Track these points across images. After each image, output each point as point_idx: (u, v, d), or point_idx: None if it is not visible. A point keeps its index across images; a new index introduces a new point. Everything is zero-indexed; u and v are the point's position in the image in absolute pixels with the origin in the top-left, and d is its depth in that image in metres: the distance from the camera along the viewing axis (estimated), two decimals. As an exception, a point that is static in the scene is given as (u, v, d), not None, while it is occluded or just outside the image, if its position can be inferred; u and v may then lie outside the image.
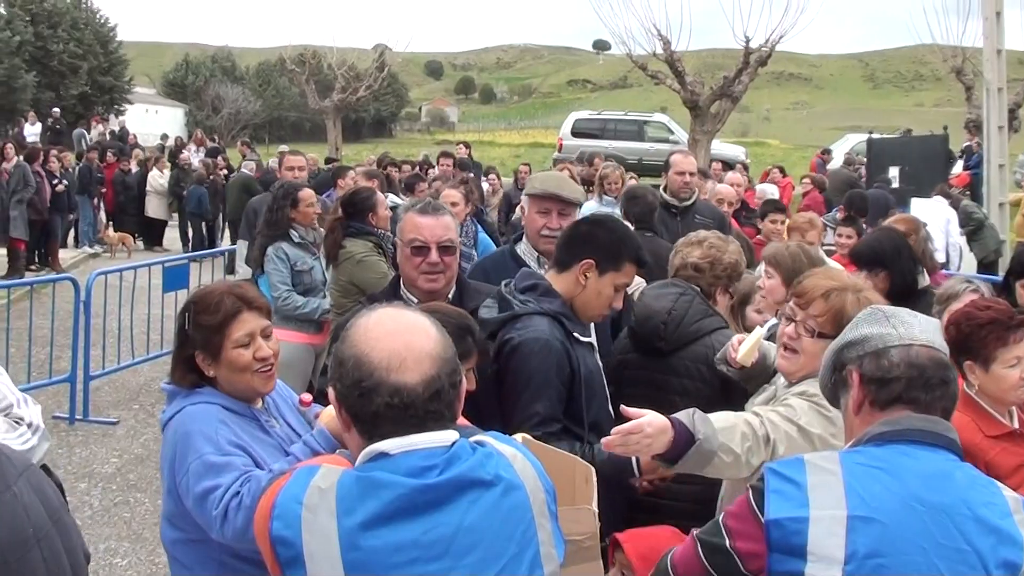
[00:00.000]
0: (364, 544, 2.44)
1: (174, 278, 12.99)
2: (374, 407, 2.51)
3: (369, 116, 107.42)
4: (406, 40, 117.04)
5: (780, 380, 4.28)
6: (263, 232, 9.05)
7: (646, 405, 3.56)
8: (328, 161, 26.09)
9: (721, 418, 3.70)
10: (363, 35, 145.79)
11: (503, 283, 4.80)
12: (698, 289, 5.30)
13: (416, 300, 4.79)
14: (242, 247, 11.69)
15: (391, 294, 4.95)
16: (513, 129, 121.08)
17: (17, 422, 4.55)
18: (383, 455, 2.52)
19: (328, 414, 3.74)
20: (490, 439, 2.69)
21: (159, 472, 9.61)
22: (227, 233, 24.68)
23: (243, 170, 24.18)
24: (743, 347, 4.48)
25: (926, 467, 2.76)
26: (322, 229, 9.03)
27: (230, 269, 18.69)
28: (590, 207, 10.60)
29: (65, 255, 23.17)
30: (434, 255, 4.82)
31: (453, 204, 8.97)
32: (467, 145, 24.53)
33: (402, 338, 2.55)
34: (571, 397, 4.44)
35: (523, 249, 5.96)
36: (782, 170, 24.37)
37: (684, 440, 3.50)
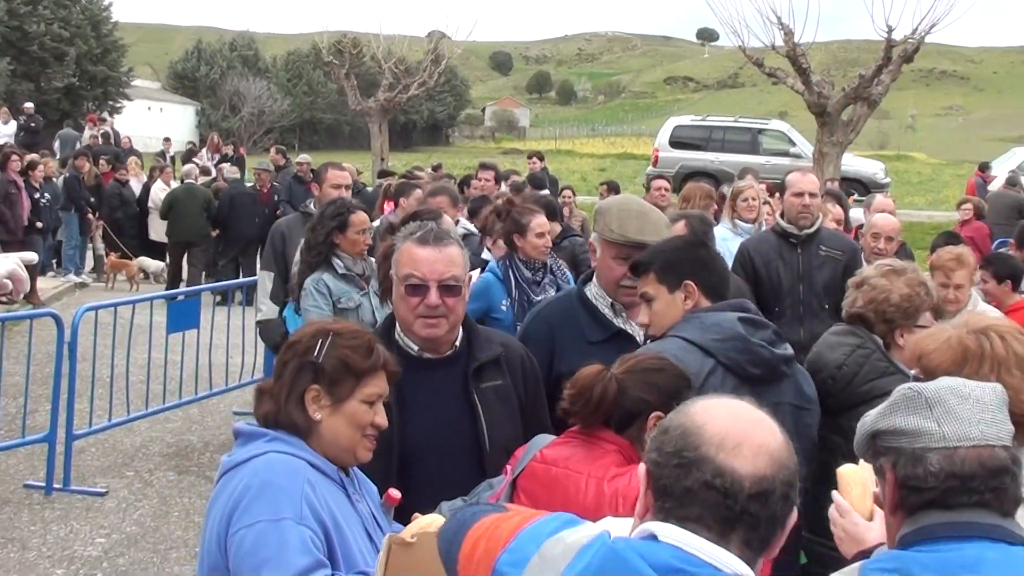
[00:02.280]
0: None
1: (181, 315, 13.05)
2: (689, 482, 2.57)
3: (421, 119, 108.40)
4: (468, 27, 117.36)
5: None
6: (302, 260, 9.02)
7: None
8: (382, 175, 25.95)
9: None
10: (415, 20, 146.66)
11: (704, 322, 4.98)
12: (879, 341, 5.42)
13: (415, 348, 4.93)
14: (265, 279, 11.45)
15: (384, 336, 4.91)
16: (597, 136, 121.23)
17: None
18: (652, 536, 2.59)
19: None
20: None
21: (159, 553, 9.65)
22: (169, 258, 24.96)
23: (188, 180, 24.35)
24: (853, 498, 4.07)
25: (947, 560, 2.82)
26: (372, 259, 8.97)
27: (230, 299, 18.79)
28: (721, 234, 10.38)
29: (46, 285, 23.04)
30: (433, 296, 4.81)
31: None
32: (540, 157, 24.05)
33: (744, 423, 2.64)
34: None
35: (594, 293, 5.93)
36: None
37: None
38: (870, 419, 3.11)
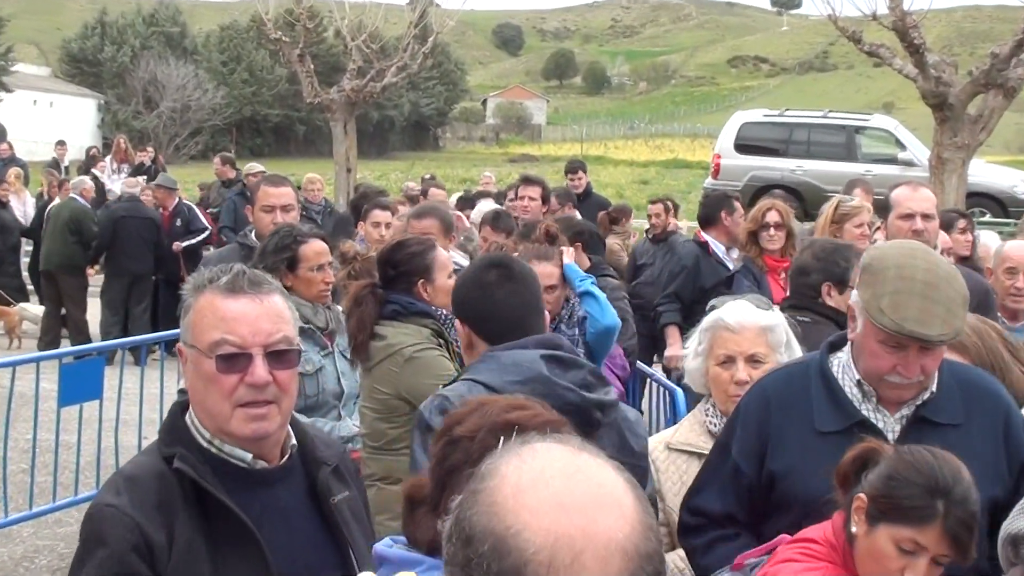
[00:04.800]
0: None
1: (78, 381, 13.00)
2: None
3: (401, 115, 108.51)
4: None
5: None
6: None
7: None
8: (363, 200, 25.71)
9: None
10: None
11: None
12: None
13: (247, 455, 4.45)
14: None
15: (181, 444, 4.43)
16: (638, 136, 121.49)
17: None
18: None
19: None
20: None
21: None
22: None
23: (73, 195, 24.19)
24: None
25: None
26: (339, 307, 8.94)
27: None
28: None
29: None
30: (260, 368, 4.36)
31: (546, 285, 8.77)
32: (583, 168, 21.41)
33: (579, 511, 2.39)
34: None
35: (843, 364, 5.62)
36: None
37: None
38: (1006, 523, 3.15)
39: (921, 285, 5.27)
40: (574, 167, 21.13)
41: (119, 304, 22.97)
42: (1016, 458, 5.43)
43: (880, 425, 5.36)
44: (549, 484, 2.42)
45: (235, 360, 4.29)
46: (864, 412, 5.40)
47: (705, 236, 13.14)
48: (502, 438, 3.60)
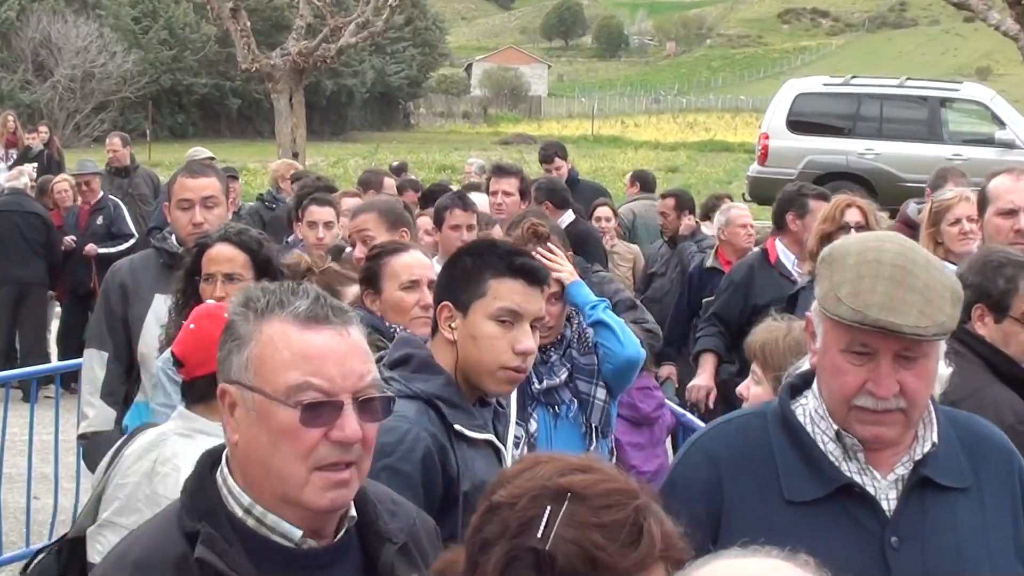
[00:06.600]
0: None
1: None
2: None
3: (363, 85, 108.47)
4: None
5: None
6: (166, 332, 8.91)
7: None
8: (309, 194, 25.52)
9: None
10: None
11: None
12: None
13: (295, 532, 4.25)
14: (93, 362, 10.94)
15: (199, 502, 4.27)
16: (664, 111, 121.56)
17: None
18: None
19: None
20: None
21: None
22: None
23: None
24: None
25: None
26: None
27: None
28: None
29: None
30: (351, 421, 4.18)
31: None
32: (561, 153, 21.24)
33: None
34: (445, 520, 5.51)
35: (811, 411, 5.28)
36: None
37: None
38: None
39: (890, 268, 5.00)
40: (549, 155, 21.10)
41: (5, 323, 22.63)
42: None
43: (871, 491, 5.07)
44: None
45: (321, 410, 4.11)
46: (848, 474, 5.09)
47: (777, 243, 12.92)
48: (549, 507, 3.56)
